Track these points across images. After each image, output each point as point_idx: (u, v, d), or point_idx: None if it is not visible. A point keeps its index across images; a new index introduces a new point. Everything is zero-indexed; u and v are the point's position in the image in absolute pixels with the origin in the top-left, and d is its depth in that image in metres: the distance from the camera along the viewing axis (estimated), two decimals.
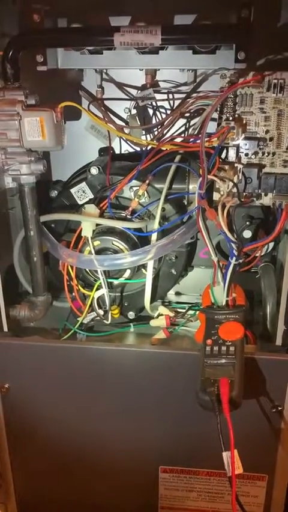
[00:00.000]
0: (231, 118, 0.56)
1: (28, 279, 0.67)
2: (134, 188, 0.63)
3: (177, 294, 0.78)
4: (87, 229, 0.62)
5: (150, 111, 0.69)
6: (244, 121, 0.56)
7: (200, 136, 0.53)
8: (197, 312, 0.68)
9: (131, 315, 0.70)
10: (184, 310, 0.69)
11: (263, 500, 0.67)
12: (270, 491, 0.66)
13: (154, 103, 0.68)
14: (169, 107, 0.67)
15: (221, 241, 0.69)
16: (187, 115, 0.65)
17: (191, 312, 0.69)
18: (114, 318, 0.69)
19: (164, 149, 0.60)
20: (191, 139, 0.59)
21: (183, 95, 0.65)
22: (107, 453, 0.67)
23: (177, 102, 0.67)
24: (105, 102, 0.70)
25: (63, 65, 0.62)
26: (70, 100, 0.58)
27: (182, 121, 0.67)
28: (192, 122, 0.66)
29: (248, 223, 0.69)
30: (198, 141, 0.54)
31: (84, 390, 0.64)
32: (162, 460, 0.66)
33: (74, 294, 0.66)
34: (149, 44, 0.52)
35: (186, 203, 0.66)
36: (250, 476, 0.65)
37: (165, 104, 0.67)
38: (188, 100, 0.59)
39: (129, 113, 0.68)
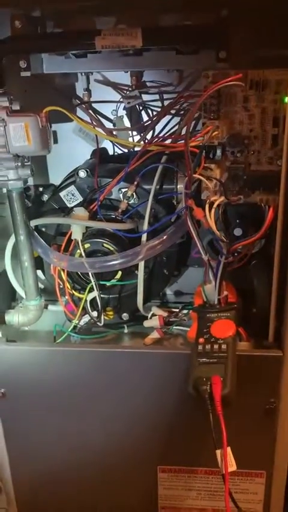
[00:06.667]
0: (215, 117, 0.56)
1: (21, 284, 0.68)
2: (123, 190, 0.64)
3: (174, 294, 0.78)
4: (76, 232, 0.62)
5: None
6: (229, 120, 0.56)
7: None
8: (190, 311, 0.68)
9: (125, 316, 0.70)
10: (178, 310, 0.69)
11: (262, 497, 0.67)
12: (269, 488, 0.66)
13: (142, 104, 0.68)
14: (156, 108, 0.68)
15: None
16: (174, 114, 0.65)
17: (184, 311, 0.69)
18: (109, 320, 0.69)
19: (151, 150, 0.60)
20: (177, 139, 0.60)
21: (170, 95, 0.65)
22: (105, 455, 0.67)
23: (165, 102, 0.68)
24: (94, 104, 0.70)
25: (48, 70, 0.63)
26: (58, 103, 0.58)
27: (170, 122, 0.68)
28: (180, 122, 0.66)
29: (238, 221, 0.69)
30: (183, 141, 0.54)
31: (80, 393, 0.64)
32: (160, 460, 0.66)
33: (67, 297, 0.66)
34: (131, 46, 0.53)
35: (175, 202, 0.66)
36: (248, 473, 0.65)
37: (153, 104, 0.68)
38: (173, 100, 0.59)
39: (116, 116, 0.68)
